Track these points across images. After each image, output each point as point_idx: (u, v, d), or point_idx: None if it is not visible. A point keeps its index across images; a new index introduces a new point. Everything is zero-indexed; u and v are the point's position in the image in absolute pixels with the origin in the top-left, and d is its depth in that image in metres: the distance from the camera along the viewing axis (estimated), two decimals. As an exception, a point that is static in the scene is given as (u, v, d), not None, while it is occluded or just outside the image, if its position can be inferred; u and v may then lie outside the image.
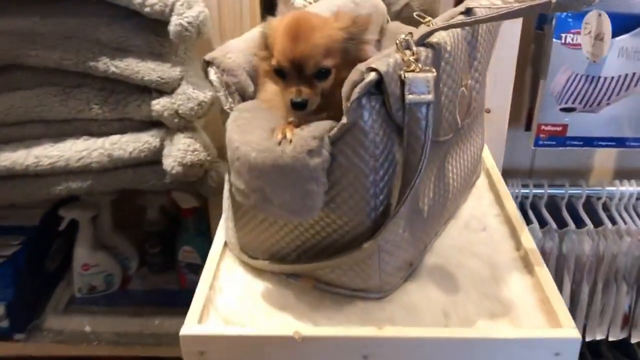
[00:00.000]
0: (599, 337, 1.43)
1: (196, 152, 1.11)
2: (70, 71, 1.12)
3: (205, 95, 1.10)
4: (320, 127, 0.64)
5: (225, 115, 0.71)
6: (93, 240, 1.45)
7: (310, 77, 0.68)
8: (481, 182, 0.99)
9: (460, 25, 0.72)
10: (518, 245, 0.83)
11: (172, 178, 1.12)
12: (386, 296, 0.73)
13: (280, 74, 0.69)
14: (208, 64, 0.72)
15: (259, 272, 0.78)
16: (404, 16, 1.06)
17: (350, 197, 0.66)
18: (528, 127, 1.37)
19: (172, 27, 1.04)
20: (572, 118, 1.29)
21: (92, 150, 1.14)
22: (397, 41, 0.65)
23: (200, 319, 0.70)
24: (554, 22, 1.20)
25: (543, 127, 1.30)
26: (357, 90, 0.61)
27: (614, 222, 1.41)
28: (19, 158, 1.15)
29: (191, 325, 0.69)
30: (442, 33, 0.70)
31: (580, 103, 1.27)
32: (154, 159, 1.15)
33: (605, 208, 1.45)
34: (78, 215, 1.41)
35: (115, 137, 1.15)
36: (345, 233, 0.69)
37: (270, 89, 0.73)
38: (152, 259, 1.55)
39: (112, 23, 1.10)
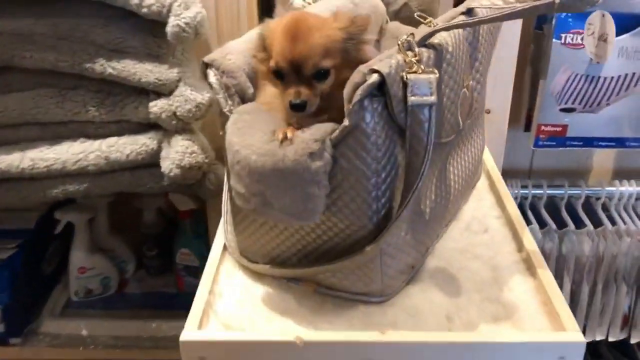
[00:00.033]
0: (598, 338, 1.43)
1: (194, 155, 1.10)
2: (66, 73, 1.11)
3: (203, 96, 1.09)
4: (322, 129, 0.63)
5: (224, 117, 0.70)
6: (89, 243, 1.44)
7: (309, 78, 0.67)
8: (481, 183, 0.99)
9: (463, 25, 0.71)
10: (520, 247, 0.83)
11: (170, 181, 1.11)
12: (388, 300, 0.72)
13: (278, 75, 0.68)
14: (207, 65, 0.71)
15: (259, 276, 0.77)
16: (402, 16, 1.06)
17: (352, 200, 0.66)
18: (527, 128, 1.36)
19: (169, 28, 1.03)
20: (572, 118, 1.29)
21: (89, 152, 1.13)
22: (399, 42, 0.64)
23: (200, 324, 0.69)
24: (553, 22, 1.20)
25: (543, 127, 1.29)
26: (359, 92, 0.61)
27: (613, 222, 1.41)
28: (14, 161, 1.14)
29: (191, 331, 0.67)
30: (444, 34, 0.70)
31: (580, 103, 1.27)
32: (151, 162, 1.14)
33: (605, 208, 1.45)
34: (74, 218, 1.40)
35: (112, 140, 1.14)
36: (347, 236, 0.68)
37: (269, 91, 0.72)
38: (150, 262, 1.54)
39: (108, 24, 1.10)
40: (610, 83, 1.25)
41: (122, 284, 1.51)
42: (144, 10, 1.04)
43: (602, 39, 1.17)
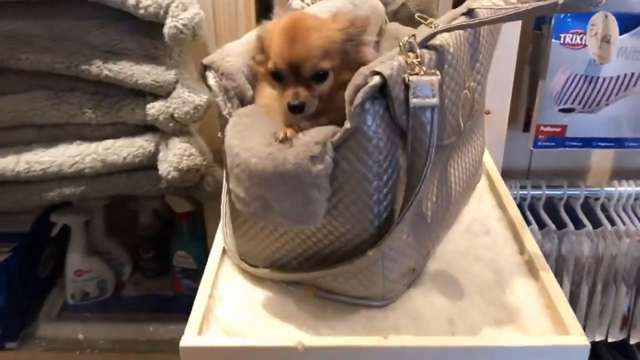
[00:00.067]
0: (598, 338, 1.43)
1: (192, 157, 1.09)
2: (62, 75, 1.10)
3: (201, 98, 1.08)
4: (323, 132, 0.63)
5: (223, 120, 0.69)
6: (86, 245, 1.43)
7: (307, 80, 0.66)
8: (481, 185, 0.98)
9: (465, 27, 0.71)
10: (522, 249, 0.82)
11: (167, 183, 1.10)
12: (390, 304, 0.72)
13: (277, 77, 0.68)
14: (206, 67, 0.70)
15: (259, 280, 0.76)
16: (400, 16, 1.05)
17: (353, 203, 0.65)
18: (526, 128, 1.36)
19: (167, 30, 1.02)
20: (571, 119, 1.29)
21: (85, 155, 1.12)
22: (401, 44, 0.63)
23: (200, 329, 0.68)
24: (552, 22, 1.19)
25: (542, 128, 1.29)
26: (360, 94, 0.60)
27: (612, 222, 1.41)
28: (9, 164, 1.13)
29: (191, 337, 0.67)
30: (445, 35, 0.69)
31: (579, 104, 1.26)
32: (148, 164, 1.13)
33: (604, 209, 1.44)
34: (70, 220, 1.39)
35: (108, 142, 1.13)
36: (348, 240, 0.67)
37: (268, 92, 0.71)
38: (146, 264, 1.53)
39: (105, 25, 1.09)
40: (609, 83, 1.25)
41: (119, 287, 1.50)
42: (141, 11, 1.03)
43: (605, 40, 1.17)
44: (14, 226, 1.39)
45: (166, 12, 1.02)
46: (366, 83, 0.60)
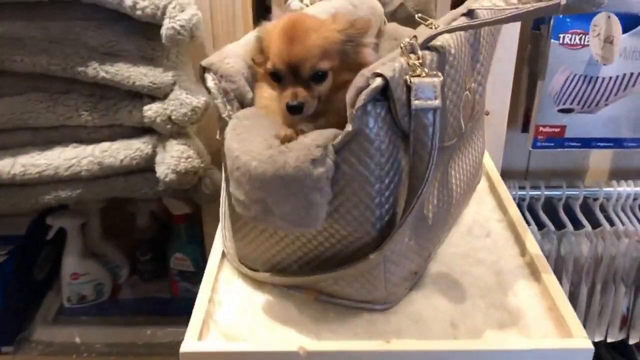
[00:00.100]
0: (597, 339, 1.43)
1: (190, 159, 1.08)
2: (57, 77, 1.09)
3: (199, 100, 1.07)
4: (324, 135, 0.62)
5: (223, 123, 0.68)
6: (82, 248, 1.42)
7: (306, 80, 0.66)
8: (481, 186, 0.98)
9: (467, 28, 0.70)
10: (523, 251, 0.82)
11: (165, 186, 1.09)
12: (392, 307, 0.71)
13: (276, 77, 0.67)
14: (205, 69, 0.69)
15: (259, 283, 0.76)
16: (398, 17, 1.04)
17: (355, 206, 0.64)
18: (525, 129, 1.35)
19: (164, 31, 1.01)
20: (570, 119, 1.28)
21: (82, 158, 1.11)
22: (402, 45, 0.63)
23: (200, 334, 0.67)
24: (551, 22, 1.19)
25: (541, 128, 1.29)
26: (362, 96, 0.59)
27: (611, 223, 1.40)
28: (4, 167, 1.12)
29: (191, 342, 0.66)
30: (446, 36, 0.69)
31: (578, 104, 1.26)
32: (146, 167, 1.12)
33: (603, 209, 1.44)
34: (66, 223, 1.39)
35: (105, 145, 1.12)
36: (350, 244, 0.67)
37: (267, 94, 0.71)
38: (143, 267, 1.52)
39: (101, 27, 1.08)
40: (608, 83, 1.24)
41: (116, 290, 1.50)
42: (138, 12, 1.02)
43: (608, 40, 1.16)
44: (10, 229, 1.38)
45: (163, 13, 1.02)
46: (368, 85, 0.59)
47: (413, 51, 0.63)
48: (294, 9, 0.94)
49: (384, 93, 0.60)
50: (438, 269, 0.78)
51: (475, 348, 0.66)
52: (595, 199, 1.44)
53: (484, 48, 0.80)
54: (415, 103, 0.60)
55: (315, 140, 0.61)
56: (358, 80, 0.60)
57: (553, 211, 1.44)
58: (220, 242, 0.81)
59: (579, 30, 1.20)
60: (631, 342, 1.45)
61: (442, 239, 0.82)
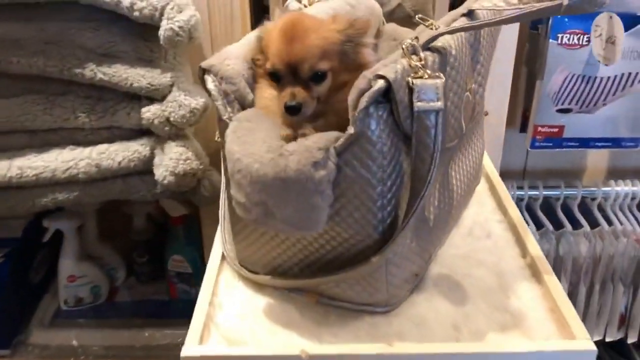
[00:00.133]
0: (595, 338, 1.43)
1: (188, 161, 1.08)
2: (54, 78, 1.08)
3: (197, 102, 1.07)
4: (325, 137, 0.62)
5: (223, 125, 0.68)
6: (79, 250, 1.41)
7: (305, 81, 0.65)
8: (481, 187, 0.97)
9: (469, 29, 0.70)
10: (524, 252, 0.82)
11: (163, 188, 1.09)
12: (393, 309, 0.71)
13: (275, 77, 0.67)
14: (205, 71, 0.68)
15: (259, 286, 0.75)
16: (396, 17, 1.04)
17: (357, 209, 0.64)
18: (523, 129, 1.35)
19: (162, 32, 1.01)
20: (568, 119, 1.28)
21: (79, 160, 1.10)
22: (404, 46, 0.62)
23: (201, 338, 0.66)
24: (549, 22, 1.19)
25: (539, 128, 1.29)
26: (364, 98, 0.59)
27: (609, 222, 1.40)
28: (1, 170, 1.11)
29: (192, 346, 0.65)
30: (447, 37, 0.68)
31: (576, 104, 1.26)
32: (144, 169, 1.12)
33: (601, 208, 1.44)
34: (63, 225, 1.38)
35: (103, 147, 1.12)
36: (351, 246, 0.66)
37: (268, 94, 0.70)
38: (140, 269, 1.52)
39: (98, 28, 1.07)
40: (606, 83, 1.24)
41: (113, 292, 1.49)
42: (136, 13, 1.02)
43: (610, 41, 1.16)
44: (6, 231, 1.37)
45: (161, 15, 1.01)
46: (370, 87, 0.59)
47: (415, 52, 0.62)
48: (292, 9, 0.94)
49: (386, 95, 0.60)
50: (439, 270, 0.78)
51: (478, 351, 0.65)
52: (593, 199, 1.45)
53: (484, 48, 0.80)
54: (418, 105, 0.60)
55: (317, 142, 0.61)
56: (360, 82, 0.60)
57: (551, 211, 1.44)
58: (220, 244, 0.81)
59: (577, 30, 1.20)
60: (629, 341, 1.45)
61: (443, 240, 0.82)
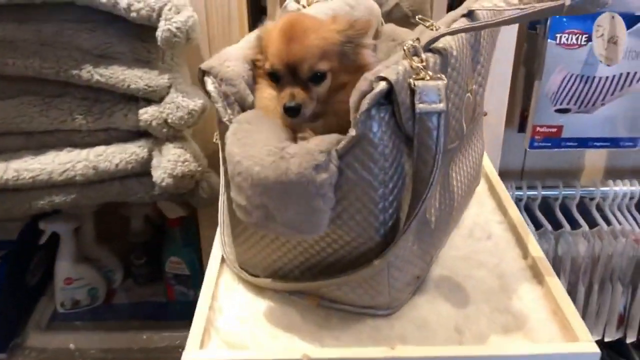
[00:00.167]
0: (594, 338, 1.42)
1: (187, 163, 1.07)
2: (50, 80, 1.07)
3: (195, 103, 1.06)
4: (327, 140, 0.61)
5: (223, 127, 0.67)
6: (75, 252, 1.40)
7: (305, 81, 0.65)
8: (481, 188, 0.97)
9: (470, 29, 0.70)
10: (525, 253, 0.81)
11: (161, 190, 1.08)
12: (395, 312, 0.70)
13: (274, 77, 0.67)
14: (204, 73, 0.68)
15: (260, 289, 0.75)
16: (394, 17, 1.04)
17: (358, 212, 0.63)
18: (521, 129, 1.35)
19: (160, 33, 1.00)
20: (567, 119, 1.28)
21: (76, 162, 1.09)
22: (405, 48, 0.62)
23: (201, 343, 0.66)
24: (548, 22, 1.19)
25: (538, 128, 1.28)
26: (366, 100, 0.59)
27: (608, 222, 1.41)
28: (-3, 172, 1.10)
29: (193, 351, 0.65)
30: (448, 38, 0.68)
31: (575, 104, 1.26)
32: (141, 171, 1.11)
33: (599, 208, 1.44)
34: (59, 227, 1.37)
35: (100, 148, 1.11)
36: (353, 249, 0.66)
37: (267, 94, 0.70)
38: (138, 271, 1.51)
39: (94, 29, 1.06)
40: (605, 83, 1.24)
41: (110, 295, 1.48)
42: (133, 14, 1.01)
43: (612, 41, 1.16)
44: (2, 234, 1.36)
45: (159, 15, 1.00)
46: (371, 89, 0.59)
47: (416, 54, 0.62)
48: (291, 10, 0.93)
49: (388, 97, 0.59)
50: (440, 272, 0.77)
51: (480, 354, 0.65)
52: (592, 199, 1.45)
53: (484, 49, 0.80)
54: (420, 107, 0.60)
55: (318, 145, 0.60)
56: (362, 84, 0.59)
57: (550, 211, 1.44)
58: (219, 247, 0.80)
59: (575, 30, 1.20)
60: (628, 340, 1.45)
61: (444, 242, 0.81)
